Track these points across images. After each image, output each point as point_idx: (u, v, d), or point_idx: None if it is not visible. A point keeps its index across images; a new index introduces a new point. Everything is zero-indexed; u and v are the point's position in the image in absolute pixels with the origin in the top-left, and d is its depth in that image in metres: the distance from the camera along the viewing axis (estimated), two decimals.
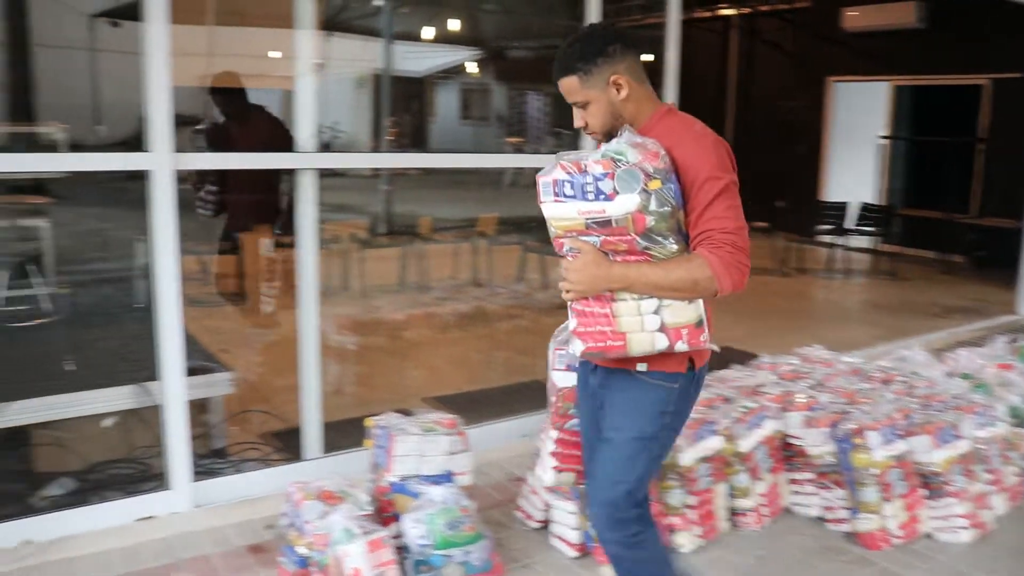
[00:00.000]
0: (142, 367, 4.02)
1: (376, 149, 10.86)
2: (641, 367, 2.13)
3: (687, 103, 4.49)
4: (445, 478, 3.03)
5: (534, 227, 8.29)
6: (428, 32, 14.92)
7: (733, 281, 1.97)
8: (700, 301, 2.02)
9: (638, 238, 1.95)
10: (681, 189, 1.98)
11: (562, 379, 2.85)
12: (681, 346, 2.02)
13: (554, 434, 2.80)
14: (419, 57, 16.02)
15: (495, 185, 10.71)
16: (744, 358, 4.38)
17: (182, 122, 3.45)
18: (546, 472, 2.82)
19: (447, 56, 17.67)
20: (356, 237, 6.48)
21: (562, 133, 14.42)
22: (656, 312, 2.01)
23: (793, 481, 3.55)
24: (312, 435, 3.67)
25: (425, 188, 10.66)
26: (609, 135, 2.11)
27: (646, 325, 2.02)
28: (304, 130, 3.48)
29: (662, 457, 2.28)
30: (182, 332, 3.25)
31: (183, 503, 3.33)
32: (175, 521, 3.26)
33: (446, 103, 20.27)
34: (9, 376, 3.96)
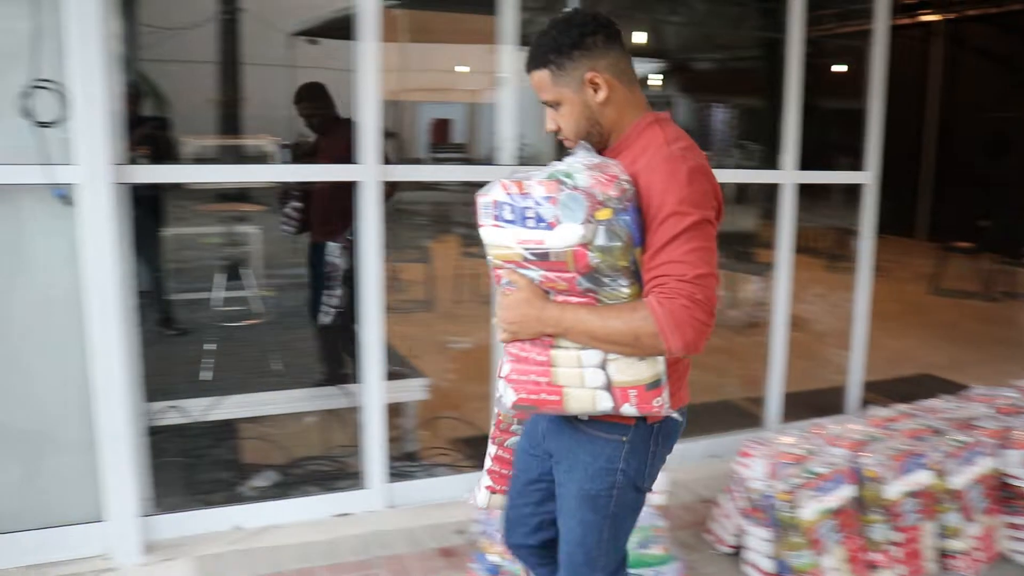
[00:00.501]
0: (341, 369, 4.22)
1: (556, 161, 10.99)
2: (582, 416, 1.80)
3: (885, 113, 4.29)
4: None
5: (722, 242, 8.09)
6: None
7: (685, 341, 1.57)
8: (659, 357, 1.66)
9: (579, 277, 1.61)
10: (643, 223, 1.63)
11: None
12: (628, 409, 1.68)
13: (492, 450, 2.29)
14: None
15: None
16: (950, 388, 4.08)
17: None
18: (480, 491, 2.31)
19: None
20: None
21: (749, 146, 14.05)
22: (601, 367, 1.66)
23: (1011, 525, 3.27)
24: None
25: None
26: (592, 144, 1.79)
27: (587, 380, 1.67)
28: (505, 143, 3.54)
29: (626, 520, 1.92)
30: (383, 338, 3.37)
31: (378, 502, 3.46)
32: (370, 519, 3.39)
33: None
34: (225, 372, 4.26)
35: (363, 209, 3.27)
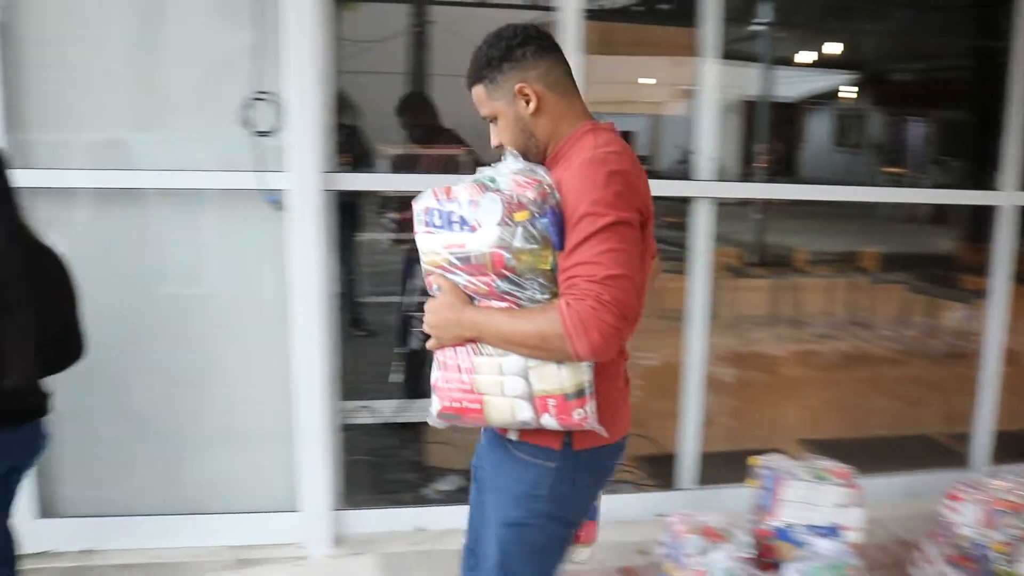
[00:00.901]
0: None
1: (747, 177, 10.69)
2: (511, 435, 1.74)
3: None
4: (832, 531, 2.81)
5: (919, 265, 7.59)
6: (805, 56, 14.36)
7: (591, 344, 1.51)
8: (583, 365, 1.60)
9: (496, 279, 1.59)
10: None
11: None
12: (548, 420, 1.62)
13: None
14: (792, 82, 15.47)
15: (869, 216, 10.01)
16: None
17: None
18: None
19: (821, 80, 16.91)
20: (728, 266, 6.35)
21: (948, 163, 13.12)
22: (522, 375, 1.61)
23: None
24: (688, 465, 3.61)
25: (796, 218, 10.22)
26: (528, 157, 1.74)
27: (506, 388, 1.63)
28: (702, 157, 3.44)
29: (550, 555, 1.81)
30: None
31: None
32: None
33: (818, 129, 19.40)
34: (414, 375, 4.37)
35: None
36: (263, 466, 3.26)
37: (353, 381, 3.92)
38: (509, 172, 1.64)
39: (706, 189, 3.44)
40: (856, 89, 17.38)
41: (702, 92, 3.48)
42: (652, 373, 4.42)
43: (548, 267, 1.59)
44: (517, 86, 1.71)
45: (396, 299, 4.66)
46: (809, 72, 15.69)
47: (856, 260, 7.22)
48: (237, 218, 3.13)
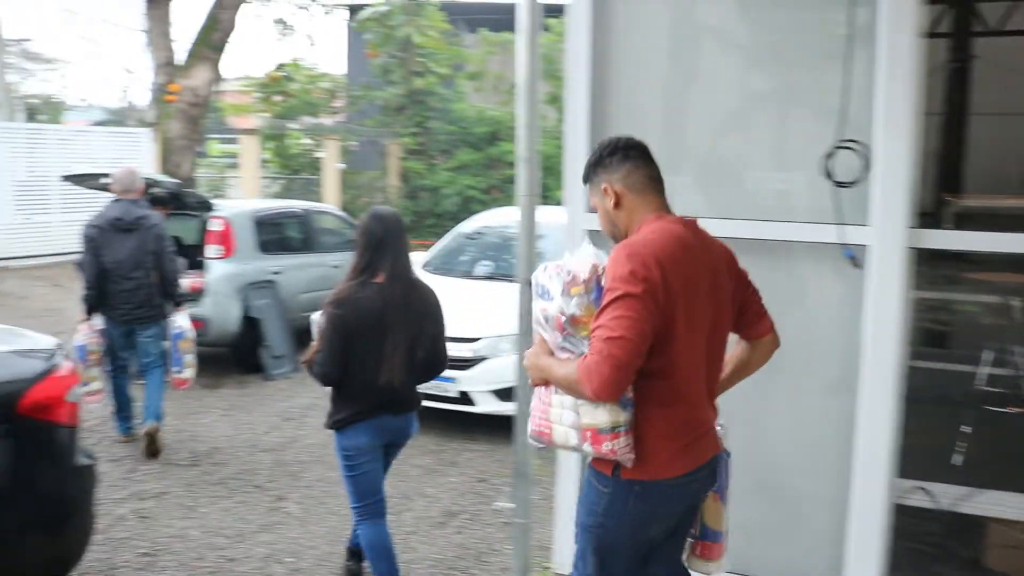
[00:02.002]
0: None
1: None
2: (588, 460, 2.28)
3: None
4: None
5: None
6: None
7: (592, 387, 2.02)
8: (620, 408, 2.11)
9: (560, 336, 2.16)
10: None
11: None
12: (587, 448, 2.15)
13: None
14: None
15: None
16: None
17: None
18: None
19: None
20: None
21: None
22: (574, 409, 2.16)
23: None
24: None
25: None
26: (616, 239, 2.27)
27: (564, 418, 2.18)
28: None
29: (611, 562, 2.28)
30: None
31: None
32: None
33: None
34: (980, 461, 3.83)
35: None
36: (812, 532, 3.10)
37: (909, 457, 3.57)
38: (581, 254, 2.19)
39: None
40: None
41: None
42: None
43: (589, 332, 2.11)
44: (603, 186, 2.27)
45: (967, 369, 4.15)
46: None
47: None
48: (811, 271, 3.03)
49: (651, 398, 2.13)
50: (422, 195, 15.95)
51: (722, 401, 2.35)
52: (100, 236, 5.15)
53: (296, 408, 6.31)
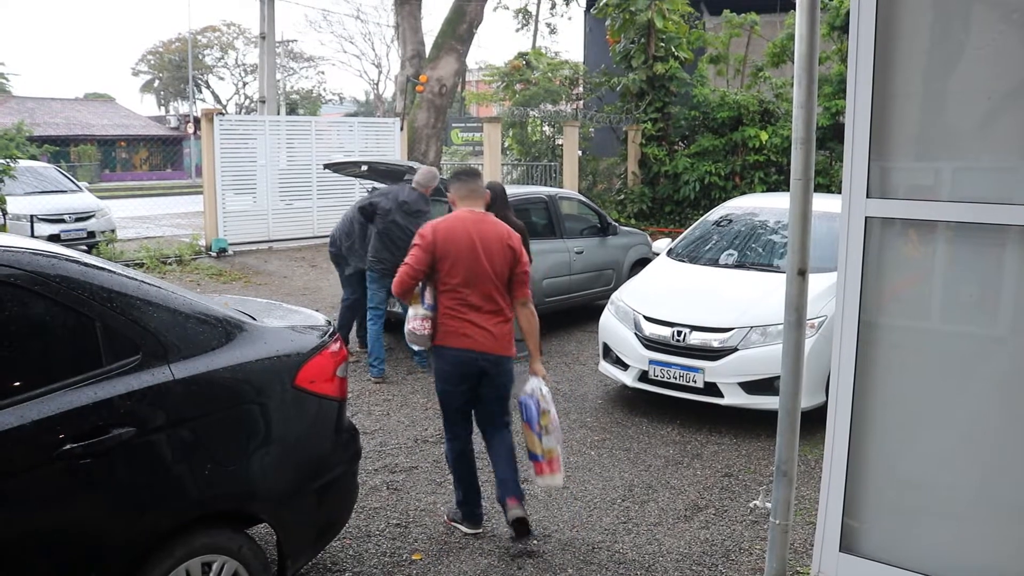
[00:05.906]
0: None
1: None
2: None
3: None
4: None
5: None
6: None
7: (394, 289, 4.07)
8: (423, 308, 4.05)
9: None
10: None
11: None
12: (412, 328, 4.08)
13: None
14: None
15: None
16: None
17: None
18: None
19: None
20: None
21: None
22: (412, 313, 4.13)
23: None
24: None
25: None
26: None
27: (408, 314, 4.13)
28: None
29: (443, 404, 4.18)
30: None
31: None
32: None
33: None
34: None
35: None
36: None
37: None
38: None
39: None
40: None
41: None
42: None
43: None
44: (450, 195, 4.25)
45: None
46: None
47: None
48: None
49: (441, 303, 3.94)
50: (662, 181, 15.72)
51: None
52: (384, 205, 6.47)
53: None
